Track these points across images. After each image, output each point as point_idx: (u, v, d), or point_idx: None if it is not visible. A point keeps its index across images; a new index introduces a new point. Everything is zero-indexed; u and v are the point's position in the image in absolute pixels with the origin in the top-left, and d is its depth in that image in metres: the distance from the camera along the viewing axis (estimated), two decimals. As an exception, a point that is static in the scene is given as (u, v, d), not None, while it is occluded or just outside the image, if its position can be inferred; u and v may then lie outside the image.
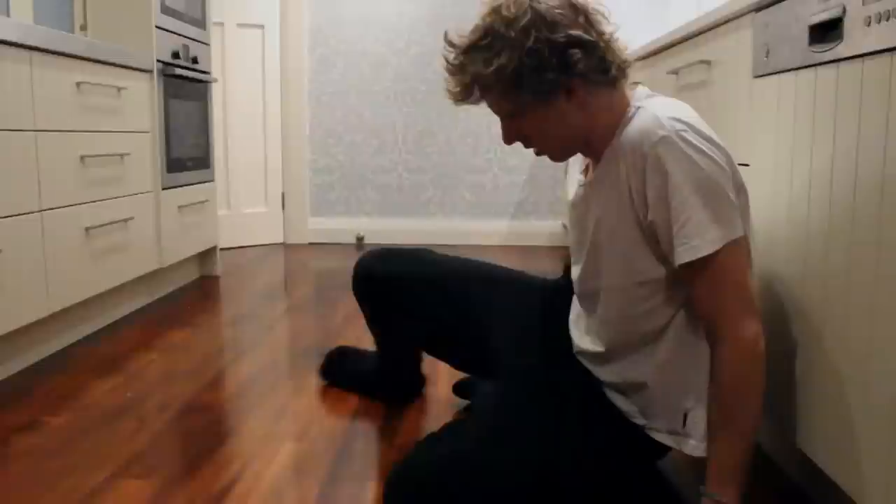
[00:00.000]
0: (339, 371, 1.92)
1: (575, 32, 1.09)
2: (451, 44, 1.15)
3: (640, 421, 1.25)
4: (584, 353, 1.33)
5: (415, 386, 1.86)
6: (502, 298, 1.52)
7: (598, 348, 1.28)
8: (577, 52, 1.09)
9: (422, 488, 1.18)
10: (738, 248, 1.09)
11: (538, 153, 1.23)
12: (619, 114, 1.16)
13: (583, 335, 1.34)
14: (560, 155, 1.24)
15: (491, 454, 1.19)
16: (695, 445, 1.19)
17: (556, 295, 1.46)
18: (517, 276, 1.59)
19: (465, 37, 1.14)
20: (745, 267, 1.12)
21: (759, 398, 1.10)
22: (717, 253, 1.07)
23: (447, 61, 1.16)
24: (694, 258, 1.07)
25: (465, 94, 1.17)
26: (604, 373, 1.29)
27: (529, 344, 1.42)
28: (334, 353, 1.95)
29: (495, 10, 1.11)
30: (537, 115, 1.15)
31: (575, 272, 1.32)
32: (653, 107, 1.12)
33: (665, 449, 1.27)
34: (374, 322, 1.74)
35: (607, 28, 1.14)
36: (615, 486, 1.32)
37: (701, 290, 1.11)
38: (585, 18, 1.11)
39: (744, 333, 1.09)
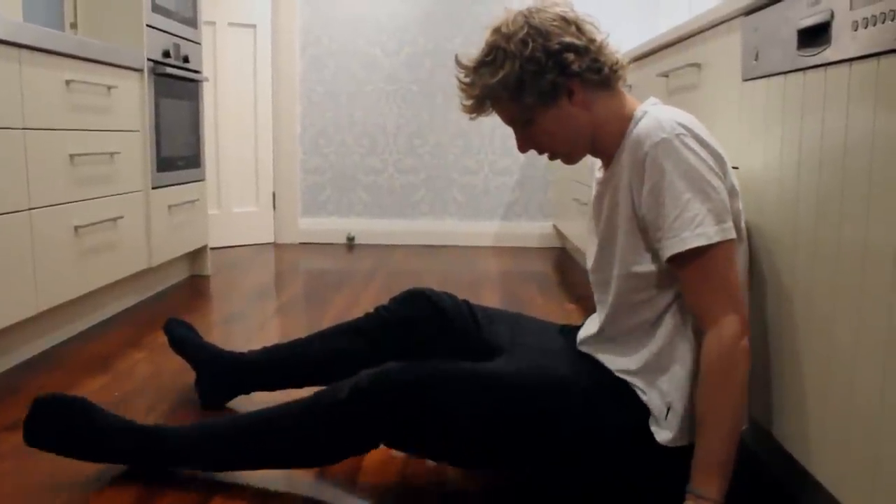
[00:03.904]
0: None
1: (567, 39, 1.21)
2: (461, 65, 1.27)
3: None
4: (585, 340, 1.40)
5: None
6: (522, 332, 1.55)
7: (594, 330, 1.35)
8: (570, 55, 1.21)
9: (402, 388, 1.23)
10: (728, 249, 1.16)
11: (551, 158, 1.33)
12: (628, 119, 1.25)
13: (586, 326, 1.42)
14: (571, 157, 1.32)
15: (484, 374, 1.27)
16: (668, 438, 1.20)
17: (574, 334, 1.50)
18: (541, 321, 1.63)
19: (473, 57, 1.27)
20: (734, 266, 1.17)
21: (739, 395, 1.14)
22: (706, 248, 1.13)
23: (459, 80, 1.28)
24: (682, 249, 1.14)
25: (477, 108, 1.29)
26: (600, 353, 1.34)
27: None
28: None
29: (496, 30, 1.24)
30: (546, 119, 1.25)
31: (589, 262, 1.39)
32: (658, 112, 1.21)
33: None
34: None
35: (598, 36, 1.25)
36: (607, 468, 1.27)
37: (688, 285, 1.18)
38: (577, 28, 1.23)
39: (726, 330, 1.14)
